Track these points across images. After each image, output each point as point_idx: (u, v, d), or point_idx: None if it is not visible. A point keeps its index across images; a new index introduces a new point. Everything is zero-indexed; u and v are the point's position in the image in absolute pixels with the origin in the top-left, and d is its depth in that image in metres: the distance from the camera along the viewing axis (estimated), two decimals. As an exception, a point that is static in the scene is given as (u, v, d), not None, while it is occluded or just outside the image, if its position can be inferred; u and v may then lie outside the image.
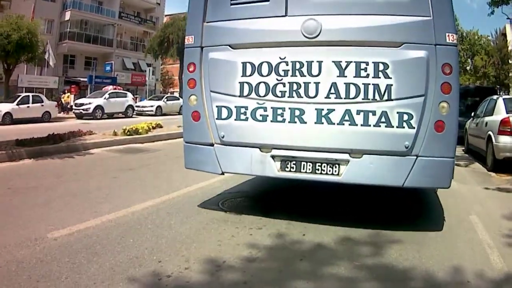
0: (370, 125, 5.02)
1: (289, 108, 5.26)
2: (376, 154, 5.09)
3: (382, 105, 4.98)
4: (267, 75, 5.36)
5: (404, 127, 4.95)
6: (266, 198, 7.10)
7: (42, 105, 26.09)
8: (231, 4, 5.62)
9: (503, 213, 6.42)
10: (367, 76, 5.01)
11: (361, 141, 5.08)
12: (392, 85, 4.95)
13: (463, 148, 14.75)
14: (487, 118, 11.62)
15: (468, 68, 56.89)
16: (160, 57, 49.09)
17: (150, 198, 6.56)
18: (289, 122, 5.27)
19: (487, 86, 39.37)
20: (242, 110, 5.48)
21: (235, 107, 5.51)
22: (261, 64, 5.39)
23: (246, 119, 5.46)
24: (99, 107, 29.49)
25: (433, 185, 5.91)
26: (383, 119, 4.98)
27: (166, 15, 55.77)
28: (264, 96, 5.37)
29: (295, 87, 5.24)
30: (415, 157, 4.98)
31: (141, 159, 10.62)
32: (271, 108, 5.35)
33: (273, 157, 5.42)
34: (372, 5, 5.10)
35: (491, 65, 50.88)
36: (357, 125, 5.05)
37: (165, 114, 35.42)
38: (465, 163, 11.83)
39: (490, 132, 10.75)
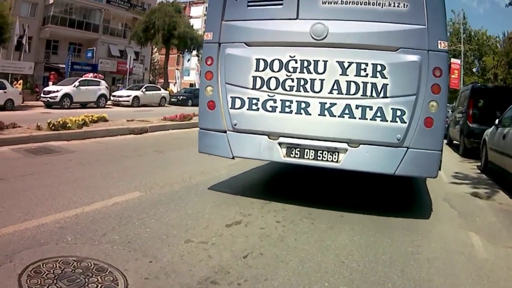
0: (367, 119, 5.65)
1: (296, 101, 5.89)
2: (371, 145, 5.72)
3: (378, 102, 5.61)
4: (278, 71, 5.97)
5: (397, 122, 5.58)
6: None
7: (5, 92, 23.99)
8: (248, 6, 6.20)
9: None
10: (366, 75, 5.64)
11: (358, 132, 5.71)
12: (388, 84, 5.58)
13: (479, 164, 11.84)
14: None
15: (474, 69, 55.11)
16: (144, 44, 47.16)
17: None
18: (295, 113, 5.90)
19: None
20: (254, 101, 6.08)
21: (248, 98, 6.11)
22: (273, 61, 5.99)
23: (257, 109, 6.07)
24: (67, 96, 27.22)
25: (422, 175, 6.46)
26: (378, 114, 5.61)
27: (159, 2, 53.59)
28: (275, 89, 5.99)
29: (302, 82, 5.86)
30: (406, 148, 5.62)
31: (37, 163, 8.63)
32: (280, 100, 5.97)
33: (280, 144, 6.05)
34: (374, 12, 5.67)
35: (502, 66, 48.56)
36: (355, 118, 5.68)
37: (144, 105, 33.57)
38: (486, 192, 8.40)
39: None
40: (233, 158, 6.41)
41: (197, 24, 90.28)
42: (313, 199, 6.65)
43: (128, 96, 33.58)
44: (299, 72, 5.86)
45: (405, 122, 5.54)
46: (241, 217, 5.67)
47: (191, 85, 62.15)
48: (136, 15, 50.19)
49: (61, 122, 12.59)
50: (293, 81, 5.89)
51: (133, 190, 6.71)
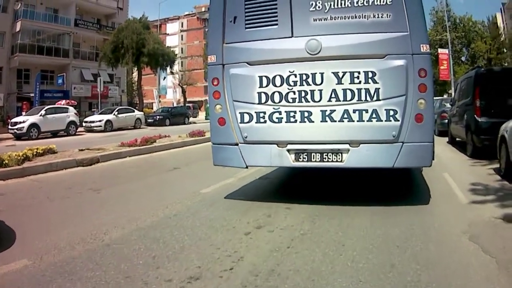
0: (364, 121, 6.26)
1: (299, 111, 6.49)
2: (370, 143, 6.34)
3: (373, 105, 6.22)
4: (280, 86, 6.55)
5: (391, 121, 6.19)
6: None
7: (-33, 127, 23.40)
8: (246, 28, 6.76)
9: None
10: (360, 82, 6.25)
11: (358, 133, 6.33)
12: (379, 88, 6.19)
13: (497, 167, 9.60)
14: None
15: (463, 58, 54.14)
16: (114, 65, 45.99)
17: None
18: (300, 122, 6.50)
19: None
20: (261, 114, 6.66)
21: (255, 112, 6.69)
22: (274, 77, 6.57)
23: (265, 121, 6.65)
24: (34, 126, 26.35)
25: (418, 165, 7.31)
26: (374, 115, 6.22)
27: (126, 19, 52.36)
28: (279, 102, 6.58)
29: (303, 94, 6.46)
30: (401, 143, 6.24)
31: None
32: (285, 112, 6.56)
33: (288, 150, 6.65)
34: (361, 25, 6.26)
35: (495, 50, 47.60)
36: (354, 121, 6.29)
37: (119, 129, 32.71)
38: None
39: None
40: (246, 167, 7.11)
41: (174, 40, 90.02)
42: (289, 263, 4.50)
43: (100, 120, 32.57)
44: (300, 85, 6.45)
45: (398, 120, 6.17)
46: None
47: (173, 103, 61.46)
48: (106, 36, 48.55)
49: (-5, 159, 11.54)
50: (294, 94, 6.48)
51: (21, 257, 4.86)
